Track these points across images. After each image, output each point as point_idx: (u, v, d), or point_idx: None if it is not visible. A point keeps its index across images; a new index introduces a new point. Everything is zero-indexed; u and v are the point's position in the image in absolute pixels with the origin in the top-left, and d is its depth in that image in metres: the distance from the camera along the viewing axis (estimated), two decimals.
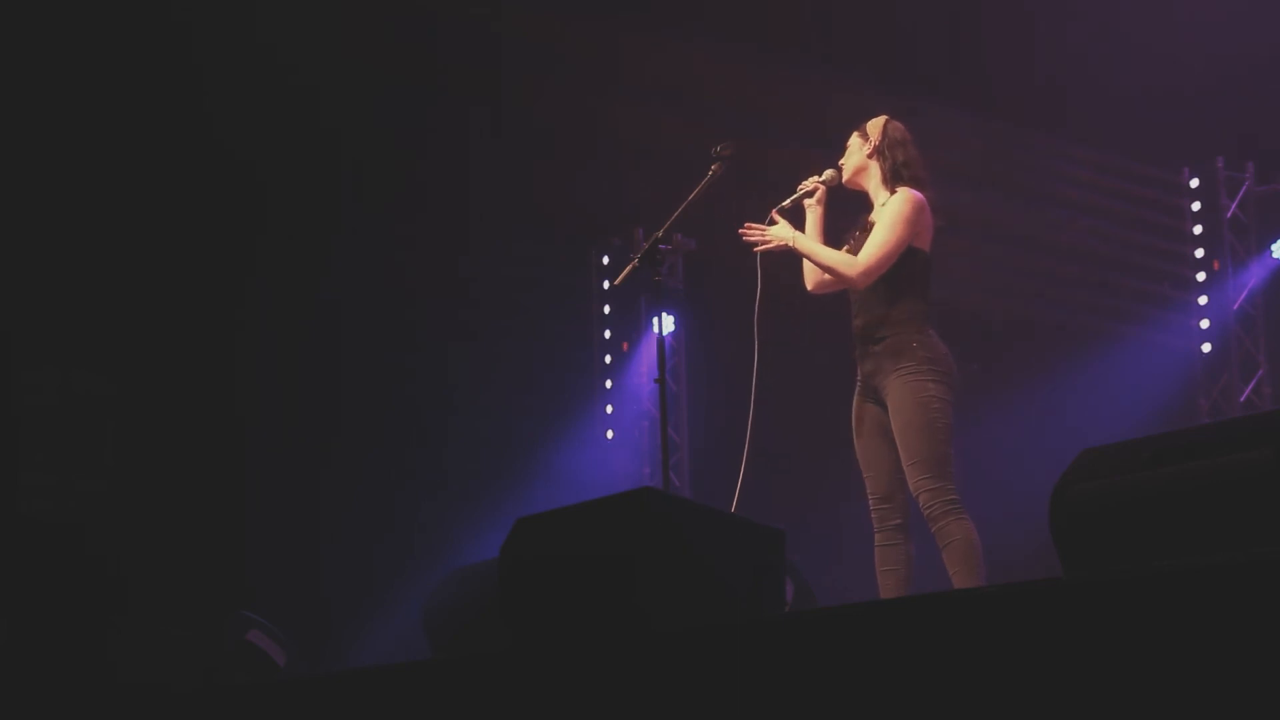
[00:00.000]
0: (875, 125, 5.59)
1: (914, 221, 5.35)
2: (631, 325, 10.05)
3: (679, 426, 9.58)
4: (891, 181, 5.49)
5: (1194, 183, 8.99)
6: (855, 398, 5.47)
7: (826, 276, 5.48)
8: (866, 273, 5.32)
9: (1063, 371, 8.72)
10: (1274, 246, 8.75)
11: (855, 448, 5.44)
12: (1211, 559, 2.58)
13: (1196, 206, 8.98)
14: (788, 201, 5.58)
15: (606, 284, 10.06)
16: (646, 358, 9.86)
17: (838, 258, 5.37)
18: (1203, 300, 8.91)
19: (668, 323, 9.47)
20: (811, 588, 5.46)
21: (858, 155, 5.59)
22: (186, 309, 8.75)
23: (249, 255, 8.91)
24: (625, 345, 10.07)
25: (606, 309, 10.18)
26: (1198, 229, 8.97)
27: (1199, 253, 8.96)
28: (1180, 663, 2.43)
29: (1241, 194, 8.87)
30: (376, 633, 8.62)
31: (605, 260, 10.06)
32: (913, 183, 5.46)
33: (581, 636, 3.62)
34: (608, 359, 10.16)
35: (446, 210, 9.44)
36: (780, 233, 5.41)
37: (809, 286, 5.63)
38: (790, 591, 5.11)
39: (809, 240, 5.44)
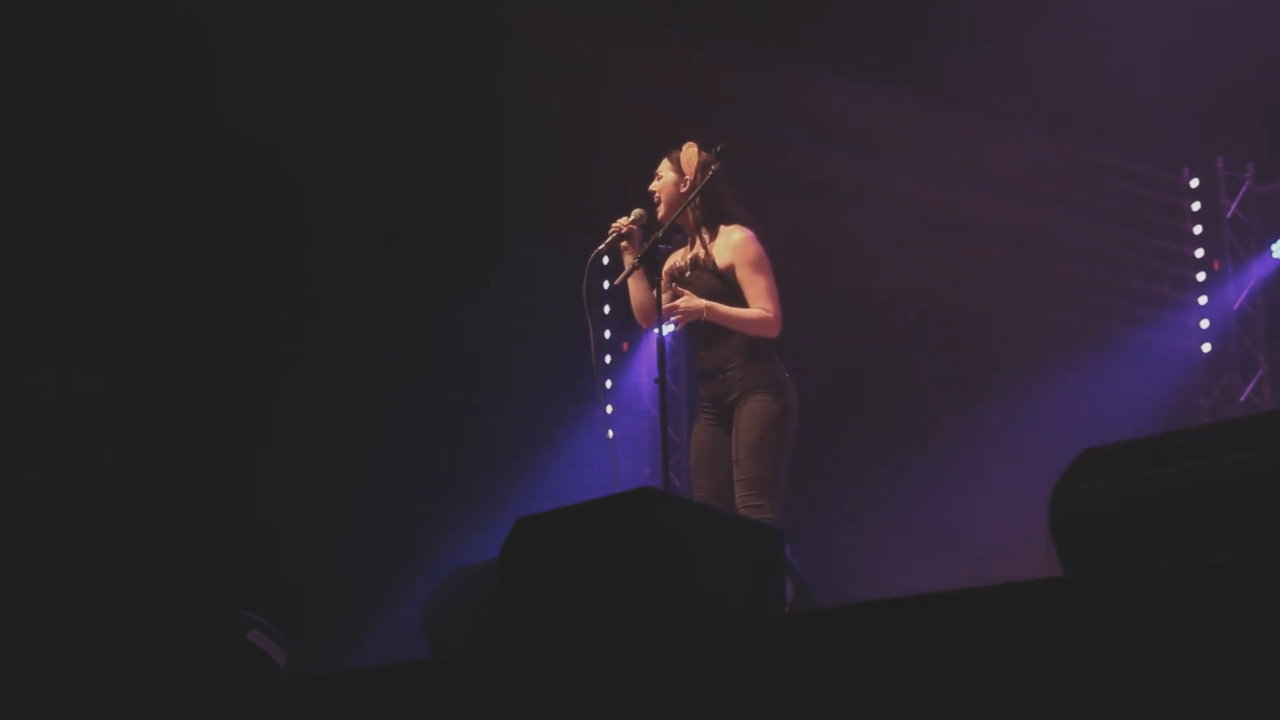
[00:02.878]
0: (689, 160, 5.61)
1: (766, 254, 5.48)
2: (632, 325, 10.02)
3: (679, 426, 9.57)
4: (709, 220, 5.54)
5: (1194, 183, 8.98)
6: (698, 423, 5.57)
7: (651, 314, 5.61)
8: (778, 318, 5.49)
9: (1063, 371, 8.71)
10: (1274, 246, 8.74)
11: (690, 469, 5.61)
12: (1211, 559, 2.58)
13: (1196, 206, 8.97)
14: (603, 245, 5.67)
15: (606, 284, 10.04)
16: (646, 358, 9.84)
17: (752, 316, 5.50)
18: (1203, 300, 8.89)
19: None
20: (810, 587, 5.47)
21: (672, 190, 5.63)
22: (186, 309, 8.74)
23: (249, 255, 8.90)
24: (625, 345, 10.06)
25: (606, 309, 10.17)
26: (1198, 229, 8.96)
27: (1199, 253, 8.95)
28: (1180, 663, 2.43)
29: (1241, 194, 8.86)
30: (377, 632, 8.61)
31: (605, 260, 10.02)
32: (726, 218, 5.52)
33: (581, 636, 3.61)
34: (608, 359, 10.15)
35: (447, 210, 9.44)
36: (693, 305, 5.50)
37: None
38: (790, 591, 5.11)
39: (721, 307, 5.53)
